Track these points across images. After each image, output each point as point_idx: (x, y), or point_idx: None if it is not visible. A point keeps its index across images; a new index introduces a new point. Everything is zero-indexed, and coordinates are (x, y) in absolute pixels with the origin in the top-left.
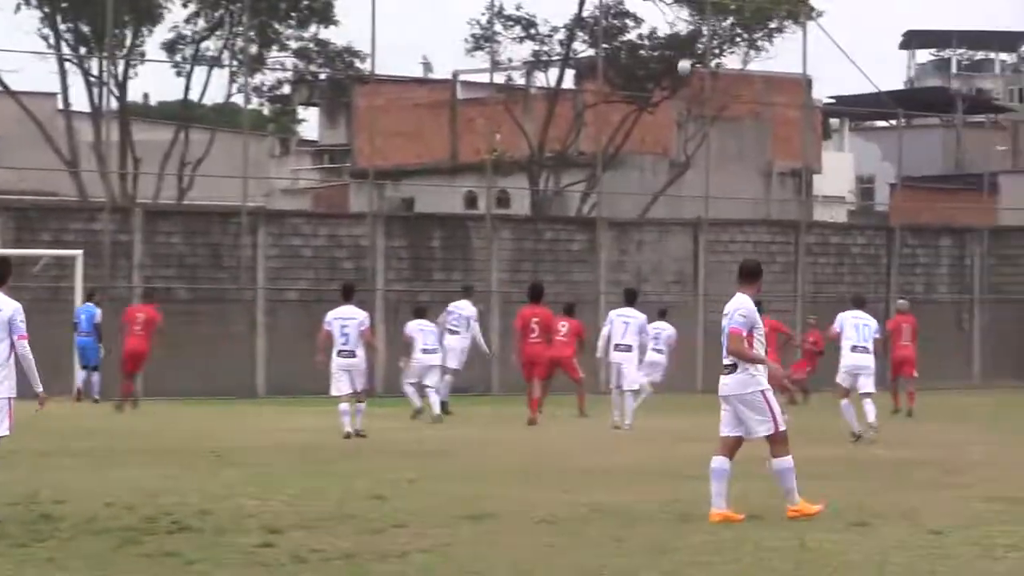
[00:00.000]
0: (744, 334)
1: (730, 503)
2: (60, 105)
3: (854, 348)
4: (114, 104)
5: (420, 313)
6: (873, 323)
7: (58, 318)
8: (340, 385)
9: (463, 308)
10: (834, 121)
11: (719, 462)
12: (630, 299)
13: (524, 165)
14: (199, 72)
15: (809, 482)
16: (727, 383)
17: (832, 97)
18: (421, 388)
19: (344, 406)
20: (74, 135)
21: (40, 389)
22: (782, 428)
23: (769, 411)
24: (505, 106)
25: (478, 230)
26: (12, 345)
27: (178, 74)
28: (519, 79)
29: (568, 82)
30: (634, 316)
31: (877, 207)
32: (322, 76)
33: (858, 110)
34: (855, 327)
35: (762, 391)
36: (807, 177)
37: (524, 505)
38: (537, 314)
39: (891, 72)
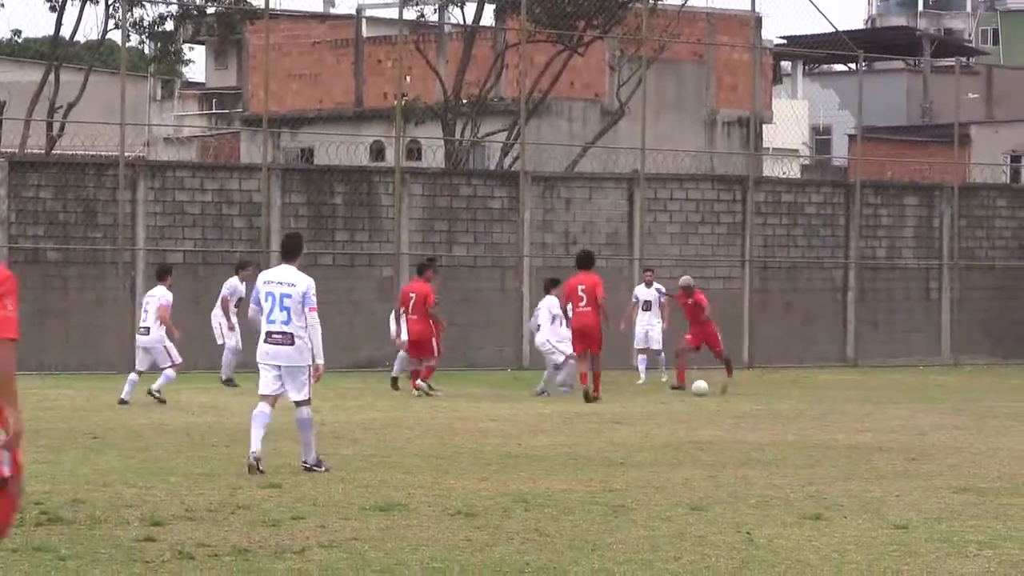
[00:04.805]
0: None
1: None
2: None
3: None
4: None
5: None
6: None
7: None
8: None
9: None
10: (786, 64)
11: None
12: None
13: (438, 112)
14: (72, 6)
15: (757, 469)
16: None
17: (784, 37)
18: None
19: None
20: None
21: (321, 361)
22: None
23: None
24: (416, 46)
25: (386, 185)
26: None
27: (52, 8)
28: (432, 15)
29: (487, 19)
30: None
31: (835, 161)
32: (210, 10)
33: (813, 52)
34: None
35: None
36: (756, 127)
37: (438, 495)
38: (583, 281)
39: (851, 10)
